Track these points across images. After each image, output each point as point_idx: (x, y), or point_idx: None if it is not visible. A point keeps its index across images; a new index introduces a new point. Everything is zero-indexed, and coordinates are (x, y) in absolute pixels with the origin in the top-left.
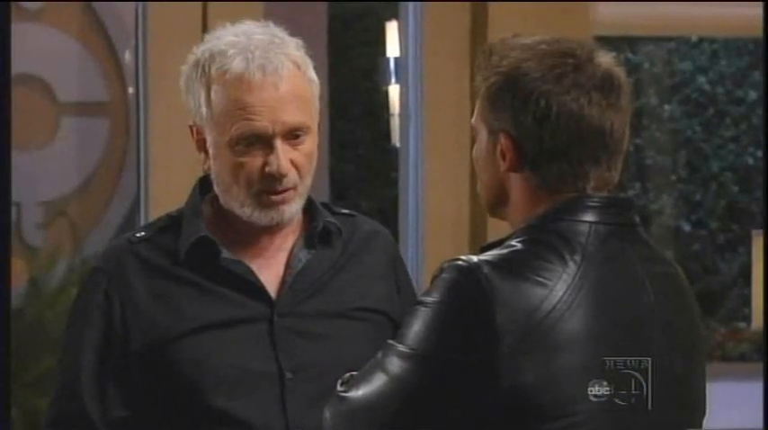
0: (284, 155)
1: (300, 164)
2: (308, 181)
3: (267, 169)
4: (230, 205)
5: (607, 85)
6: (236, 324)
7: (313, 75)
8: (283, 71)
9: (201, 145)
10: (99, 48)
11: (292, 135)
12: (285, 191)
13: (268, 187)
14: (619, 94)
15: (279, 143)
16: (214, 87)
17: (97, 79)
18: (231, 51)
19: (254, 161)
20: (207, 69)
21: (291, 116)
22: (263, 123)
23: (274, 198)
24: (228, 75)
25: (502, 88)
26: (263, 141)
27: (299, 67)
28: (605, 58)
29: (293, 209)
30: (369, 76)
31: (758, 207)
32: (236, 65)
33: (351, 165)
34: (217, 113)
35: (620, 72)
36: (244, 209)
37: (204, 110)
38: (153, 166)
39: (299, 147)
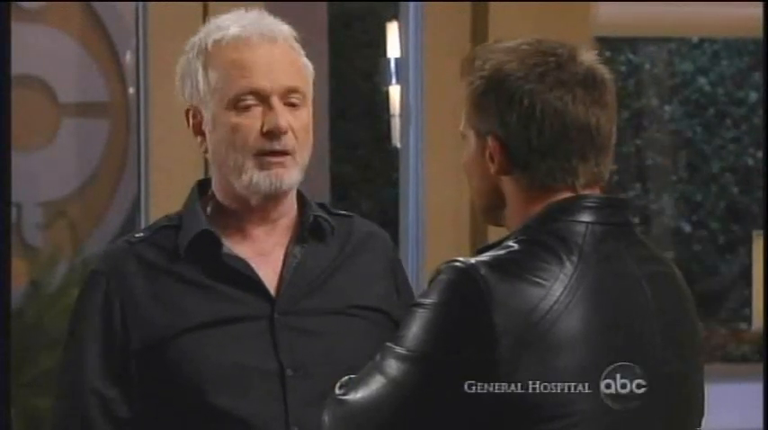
0: (282, 114)
1: (297, 129)
2: (306, 153)
3: (266, 127)
4: (229, 182)
5: (590, 81)
6: (236, 321)
7: (306, 61)
8: (279, 38)
9: (198, 128)
10: (99, 48)
11: (289, 99)
12: (284, 154)
13: (267, 147)
14: (603, 91)
15: (276, 101)
16: (212, 58)
17: (98, 80)
18: (226, 22)
19: (253, 122)
20: (203, 45)
21: (288, 77)
22: (260, 81)
23: (273, 159)
24: (225, 41)
25: (486, 91)
26: (260, 100)
27: (293, 48)
28: (587, 56)
29: (291, 177)
30: (369, 76)
31: (759, 208)
32: (233, 30)
33: (351, 165)
34: (215, 80)
35: (604, 69)
36: (243, 176)
37: (202, 84)
38: (153, 167)
39: (296, 112)
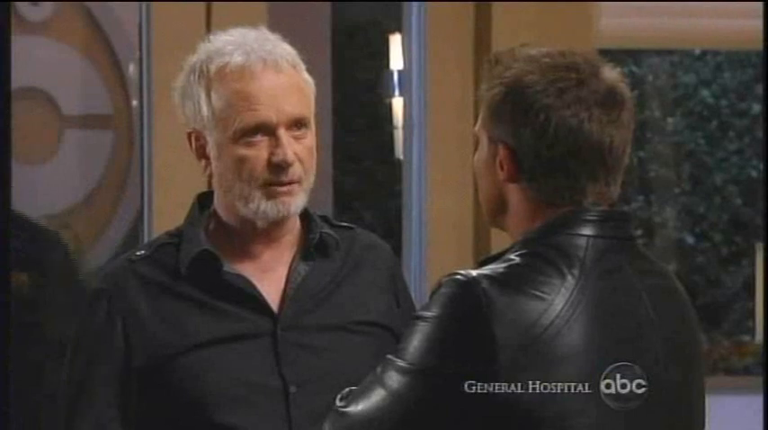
0: (289, 146)
1: (304, 157)
2: (311, 177)
3: (273, 159)
4: (234, 206)
5: (609, 100)
6: (239, 339)
7: (307, 76)
8: (282, 63)
9: (201, 151)
10: (103, 60)
11: (294, 126)
12: (291, 183)
13: (274, 179)
14: (621, 111)
15: (283, 132)
16: (215, 85)
17: (101, 92)
18: (229, 47)
19: (259, 154)
20: (206, 70)
21: (293, 106)
22: (266, 113)
23: (281, 189)
24: (229, 68)
25: (504, 99)
26: (266, 132)
27: (294, 66)
28: (611, 74)
29: (298, 203)
30: (372, 88)
31: (762, 220)
32: (236, 58)
33: (354, 177)
34: (219, 109)
35: (625, 88)
36: (249, 205)
37: (205, 110)
38: (157, 179)
39: (302, 140)
